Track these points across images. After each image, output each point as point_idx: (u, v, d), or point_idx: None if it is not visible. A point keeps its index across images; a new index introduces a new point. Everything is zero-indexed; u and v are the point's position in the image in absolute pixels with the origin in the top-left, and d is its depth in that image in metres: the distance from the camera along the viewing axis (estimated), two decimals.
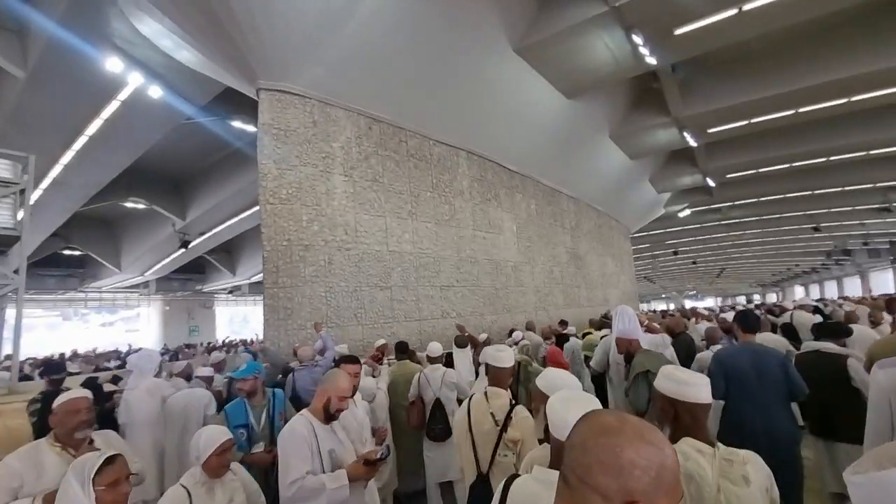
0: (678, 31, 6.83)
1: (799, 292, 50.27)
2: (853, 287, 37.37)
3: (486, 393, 2.31)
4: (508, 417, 2.14)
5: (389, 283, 6.47)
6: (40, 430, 3.19)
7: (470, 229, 8.14)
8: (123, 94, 7.67)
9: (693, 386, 1.54)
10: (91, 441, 2.14)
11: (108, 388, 4.38)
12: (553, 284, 10.65)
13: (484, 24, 6.62)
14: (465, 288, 7.79)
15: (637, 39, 6.85)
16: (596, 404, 1.32)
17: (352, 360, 2.89)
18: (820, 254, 33.64)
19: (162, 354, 13.75)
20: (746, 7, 6.34)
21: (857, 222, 21.90)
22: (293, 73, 5.59)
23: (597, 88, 9.01)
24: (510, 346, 5.85)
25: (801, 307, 7.03)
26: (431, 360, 3.96)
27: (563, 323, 7.05)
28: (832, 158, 13.37)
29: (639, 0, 6.11)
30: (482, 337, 5.50)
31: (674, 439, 1.52)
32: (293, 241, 5.50)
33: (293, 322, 5.38)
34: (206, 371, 4.23)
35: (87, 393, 2.20)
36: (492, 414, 2.20)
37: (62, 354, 14.46)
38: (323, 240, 5.75)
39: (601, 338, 4.38)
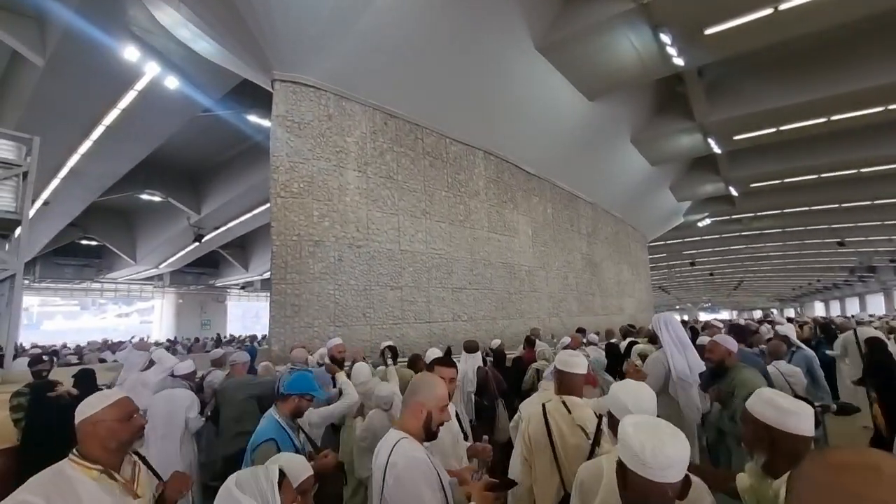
0: (709, 31, 6.54)
1: (819, 308, 48.95)
2: (876, 304, 36.21)
3: (564, 402, 2.05)
4: (599, 431, 1.90)
5: (400, 282, 6.29)
6: (29, 428, 3.00)
7: (485, 231, 7.93)
8: (140, 84, 7.65)
9: (795, 415, 1.36)
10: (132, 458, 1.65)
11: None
12: (567, 291, 10.37)
13: (506, 20, 6.42)
14: (477, 291, 7.57)
15: (665, 39, 6.59)
16: (683, 438, 1.13)
17: (447, 362, 2.41)
18: (843, 269, 32.62)
19: (167, 348, 13.79)
20: (783, 6, 6.04)
21: (885, 238, 21.12)
22: (309, 64, 5.46)
23: (619, 91, 8.74)
24: (583, 346, 5.62)
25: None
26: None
27: (581, 331, 6.78)
28: (864, 170, 12.84)
29: None
30: (495, 343, 5.26)
31: (772, 470, 1.37)
32: (303, 236, 5.36)
33: (300, 319, 5.22)
34: (186, 367, 3.74)
35: (122, 392, 1.71)
36: (581, 427, 1.94)
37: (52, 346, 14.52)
38: (334, 236, 5.59)
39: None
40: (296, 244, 5.31)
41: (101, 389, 3.63)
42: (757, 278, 37.87)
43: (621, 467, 1.18)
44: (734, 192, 14.84)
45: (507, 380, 4.61)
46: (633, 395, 1.59)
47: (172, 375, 3.42)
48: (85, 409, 1.55)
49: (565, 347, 4.95)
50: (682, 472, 1.10)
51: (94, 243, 18.96)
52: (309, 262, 5.35)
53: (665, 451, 1.09)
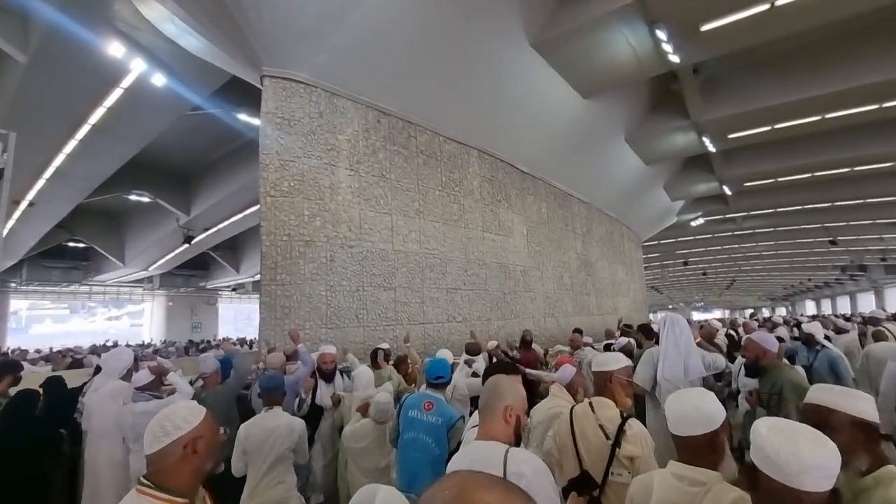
0: (705, 28, 6.48)
1: (810, 307, 49.38)
2: (867, 303, 36.56)
3: (591, 403, 2.02)
4: (621, 431, 1.82)
5: (394, 283, 6.16)
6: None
7: (479, 230, 7.82)
8: (126, 82, 7.45)
9: (852, 398, 1.34)
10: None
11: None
12: (563, 291, 10.29)
13: (500, 16, 6.32)
14: (472, 291, 7.46)
15: (661, 35, 6.52)
16: (830, 446, 1.06)
17: (512, 369, 2.23)
18: (834, 268, 32.86)
19: (156, 351, 13.54)
20: (779, 2, 5.99)
21: (876, 237, 21.29)
22: (299, 59, 5.32)
23: (614, 89, 8.67)
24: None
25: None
26: None
27: (578, 331, 6.68)
28: (856, 169, 12.89)
29: None
30: (491, 344, 5.14)
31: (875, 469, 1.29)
32: (294, 236, 5.22)
33: (290, 321, 5.08)
34: (144, 377, 3.18)
35: (194, 403, 1.44)
36: (601, 426, 1.88)
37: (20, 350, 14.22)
38: (325, 236, 5.46)
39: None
40: (286, 244, 5.17)
41: (77, 397, 3.45)
42: (749, 277, 38.12)
43: (752, 469, 1.12)
44: (728, 192, 14.85)
45: None
46: (672, 401, 1.50)
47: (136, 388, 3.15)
48: (179, 424, 1.25)
49: (565, 350, 4.86)
50: (823, 480, 1.02)
51: (81, 245, 18.63)
52: (300, 263, 5.21)
53: (802, 455, 1.02)
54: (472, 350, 4.18)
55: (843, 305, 40.61)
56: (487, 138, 8.05)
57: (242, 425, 2.71)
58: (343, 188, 5.76)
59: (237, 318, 32.80)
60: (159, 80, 7.31)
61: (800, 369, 3.11)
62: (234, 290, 27.94)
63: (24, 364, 6.72)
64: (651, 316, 21.85)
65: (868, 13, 6.86)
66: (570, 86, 7.95)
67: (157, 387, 3.07)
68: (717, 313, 53.84)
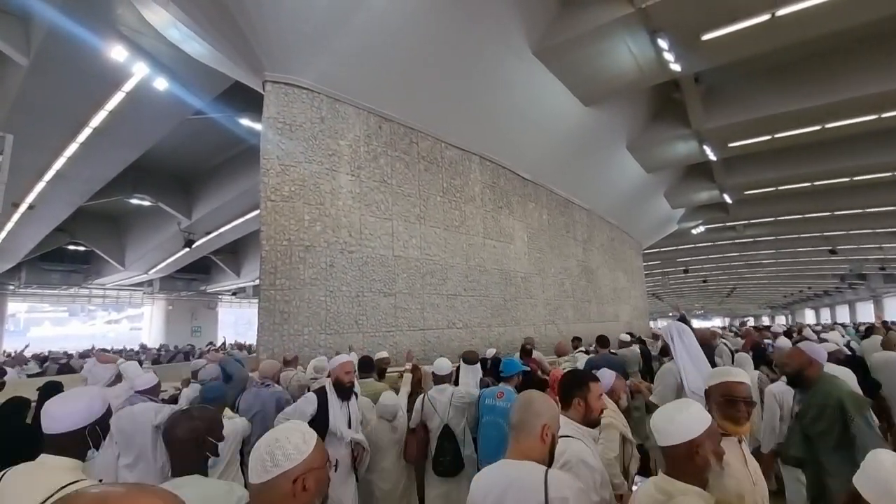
0: (706, 37, 6.51)
1: (809, 316, 49.26)
2: (866, 312, 36.49)
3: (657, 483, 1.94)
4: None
5: (394, 289, 6.13)
6: None
7: (480, 237, 7.80)
8: (129, 86, 7.47)
9: None
10: None
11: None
12: (564, 298, 10.25)
13: (502, 23, 6.34)
14: (472, 297, 7.43)
15: (662, 44, 6.54)
16: None
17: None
18: (834, 277, 32.84)
19: (158, 353, 13.47)
20: (780, 13, 6.01)
21: (876, 246, 21.28)
22: (301, 65, 5.34)
23: (616, 97, 8.70)
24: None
25: None
26: (438, 380, 3.43)
27: (577, 339, 6.64)
28: (856, 178, 12.91)
29: (667, 1, 5.81)
30: (490, 352, 5.10)
31: None
32: (294, 241, 5.20)
33: (290, 327, 5.05)
34: (147, 381, 3.13)
35: (305, 427, 1.26)
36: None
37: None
38: (325, 241, 5.44)
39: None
40: (286, 249, 5.15)
41: None
42: (749, 285, 38.07)
43: (855, 499, 1.05)
44: (728, 200, 14.86)
45: None
46: (658, 412, 1.47)
47: (135, 392, 3.11)
48: (291, 454, 1.09)
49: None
50: None
51: (81, 248, 18.59)
52: (299, 268, 5.19)
53: None
54: (470, 358, 4.13)
55: (843, 314, 40.50)
56: (489, 145, 8.06)
57: None
58: (344, 193, 5.75)
59: (238, 323, 32.71)
60: (161, 84, 7.33)
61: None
62: (234, 294, 27.86)
63: (9, 370, 6.67)
64: (651, 324, 21.79)
65: (867, 24, 6.88)
66: (571, 93, 7.97)
67: (157, 392, 3.03)
68: (717, 321, 53.68)
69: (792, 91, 8.71)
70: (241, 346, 17.02)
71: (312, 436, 1.17)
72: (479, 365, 4.03)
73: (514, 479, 1.43)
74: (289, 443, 1.11)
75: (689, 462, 1.32)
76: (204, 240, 16.32)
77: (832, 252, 21.58)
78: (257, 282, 20.55)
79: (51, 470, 1.36)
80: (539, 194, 9.81)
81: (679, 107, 9.76)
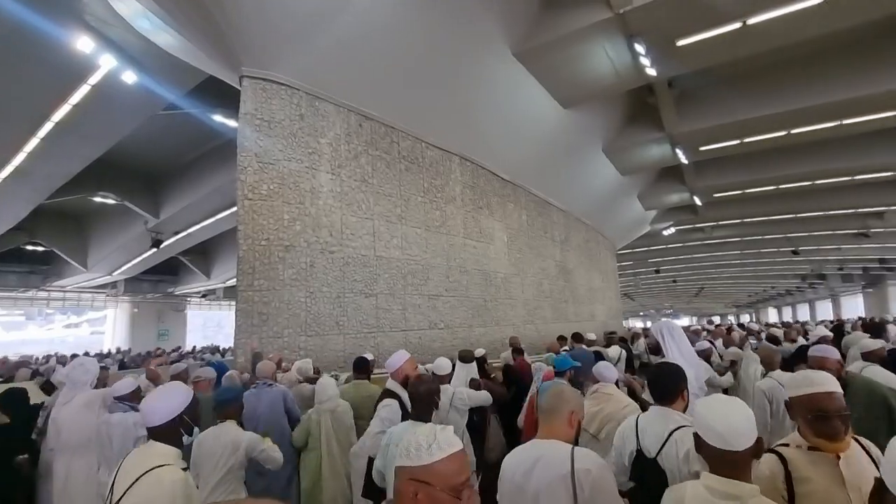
0: (681, 43, 6.69)
1: (772, 314, 51.42)
2: (825, 310, 38.37)
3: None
4: None
5: (375, 290, 6.05)
6: None
7: (461, 237, 7.80)
8: (95, 78, 7.12)
9: None
10: None
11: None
12: (542, 298, 10.36)
13: (484, 24, 6.36)
14: (453, 298, 7.41)
15: (639, 49, 6.68)
16: None
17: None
18: (795, 277, 34.38)
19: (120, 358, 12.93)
20: (751, 21, 6.24)
21: (834, 247, 22.35)
22: (280, 61, 5.21)
23: (593, 100, 8.85)
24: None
25: None
26: (439, 380, 3.35)
27: (562, 339, 6.72)
28: (818, 182, 13.53)
29: (644, 7, 5.93)
30: (479, 352, 5.08)
31: None
32: (273, 240, 5.06)
33: (268, 329, 4.91)
34: (126, 385, 3.00)
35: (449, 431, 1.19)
36: None
37: None
38: (305, 241, 5.32)
39: None
40: (265, 249, 5.01)
41: (37, 411, 3.20)
42: (716, 285, 39.42)
43: (881, 487, 1.00)
44: (698, 202, 15.34)
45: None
46: (721, 413, 1.35)
47: (114, 398, 2.96)
48: (412, 454, 1.06)
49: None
50: None
51: (40, 249, 17.66)
52: (279, 268, 5.06)
53: None
54: (466, 357, 4.11)
55: (803, 313, 42.47)
56: (469, 145, 8.07)
57: (196, 438, 2.59)
58: (324, 192, 5.64)
59: (206, 325, 31.78)
60: (130, 77, 7.01)
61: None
62: (204, 296, 27.02)
63: None
64: (624, 323, 22.26)
65: (830, 35, 7.21)
66: (550, 95, 8.06)
67: (137, 398, 2.88)
68: (685, 320, 55.37)
69: (760, 97, 9.06)
70: (215, 350, 16.53)
71: (443, 449, 1.06)
72: (474, 364, 4.02)
73: (542, 454, 1.61)
74: (415, 440, 1.09)
75: (747, 464, 1.30)
76: (172, 240, 15.74)
77: (795, 253, 22.57)
78: (229, 283, 20.08)
79: (149, 454, 1.64)
80: (518, 195, 9.88)
81: (653, 111, 10.00)
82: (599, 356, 5.07)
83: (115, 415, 2.73)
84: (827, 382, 1.59)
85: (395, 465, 1.10)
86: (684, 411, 1.94)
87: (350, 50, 5.47)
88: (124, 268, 18.98)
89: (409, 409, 2.64)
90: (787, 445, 1.61)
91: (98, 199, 13.19)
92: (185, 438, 1.78)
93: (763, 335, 7.88)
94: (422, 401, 2.35)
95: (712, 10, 5.94)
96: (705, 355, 4.48)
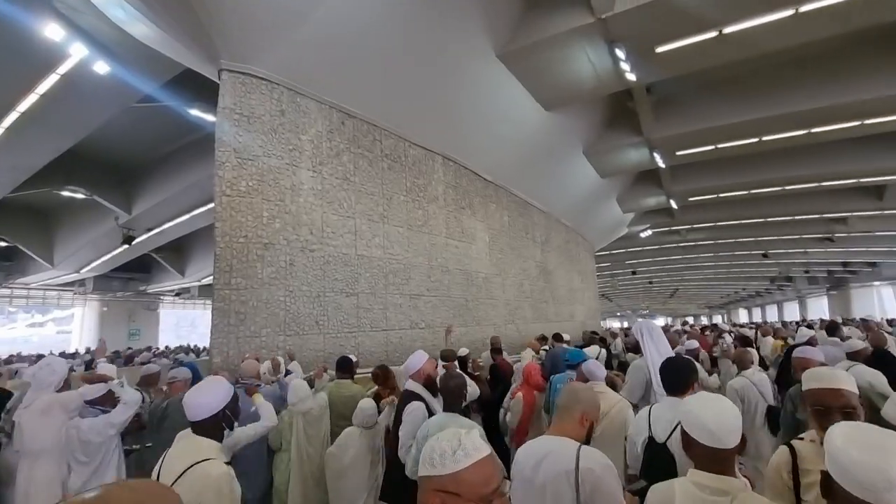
0: (660, 49, 6.84)
1: (743, 315, 53.08)
2: (792, 311, 39.85)
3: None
4: None
5: (356, 289, 6.00)
6: None
7: (443, 237, 7.79)
8: (64, 68, 6.86)
9: None
10: None
11: None
12: (523, 298, 10.44)
13: (468, 24, 6.37)
14: (435, 298, 7.40)
15: (619, 54, 6.80)
16: None
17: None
18: (765, 279, 35.59)
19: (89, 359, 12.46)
20: (726, 30, 6.42)
21: (801, 251, 23.22)
22: (261, 55, 5.11)
23: (574, 103, 8.97)
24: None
25: None
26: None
27: (543, 338, 6.79)
28: (787, 188, 14.03)
29: (624, 14, 6.04)
30: (463, 352, 5.09)
31: None
32: (251, 238, 4.96)
33: (246, 328, 4.81)
34: (95, 390, 2.88)
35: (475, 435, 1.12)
36: None
37: None
38: (285, 239, 5.23)
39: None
40: (243, 247, 4.90)
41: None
42: (691, 287, 40.49)
43: (827, 479, 1.04)
44: (674, 205, 15.70)
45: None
46: (713, 412, 1.38)
47: (84, 402, 2.85)
48: (436, 462, 0.98)
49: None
50: None
51: (3, 244, 16.90)
52: (257, 267, 4.96)
53: (886, 471, 0.94)
54: (447, 356, 4.12)
55: (772, 314, 44.02)
56: (452, 145, 8.07)
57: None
58: (305, 190, 5.56)
59: (180, 325, 30.94)
60: (102, 67, 6.77)
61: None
62: (177, 294, 26.30)
63: None
64: (602, 323, 22.63)
65: (800, 47, 7.48)
66: (533, 97, 8.13)
67: (109, 401, 2.78)
68: (660, 320, 56.64)
69: (734, 105, 9.34)
70: (188, 350, 16.11)
71: (469, 455, 0.98)
72: (456, 364, 4.04)
73: (551, 449, 1.67)
74: (439, 447, 1.01)
75: (733, 460, 1.35)
76: (145, 236, 15.26)
77: (764, 256, 23.37)
78: (203, 281, 19.58)
79: (193, 449, 1.70)
80: (500, 196, 9.94)
81: (632, 115, 10.20)
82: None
83: (86, 420, 2.65)
84: (833, 379, 1.65)
85: (420, 474, 1.02)
86: None
87: (333, 46, 5.41)
88: (93, 265, 18.32)
89: (432, 408, 2.73)
90: (802, 440, 1.67)
91: (66, 194, 12.68)
92: (227, 433, 1.85)
93: (732, 335, 8.12)
94: (452, 394, 2.52)
95: (690, 18, 6.09)
96: (693, 355, 4.59)
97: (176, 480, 1.57)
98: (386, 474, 2.89)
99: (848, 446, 1.01)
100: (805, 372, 1.80)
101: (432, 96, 7.03)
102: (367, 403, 3.13)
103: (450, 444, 0.99)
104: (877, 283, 29.10)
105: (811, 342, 4.45)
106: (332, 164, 5.96)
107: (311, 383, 3.89)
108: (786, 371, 3.80)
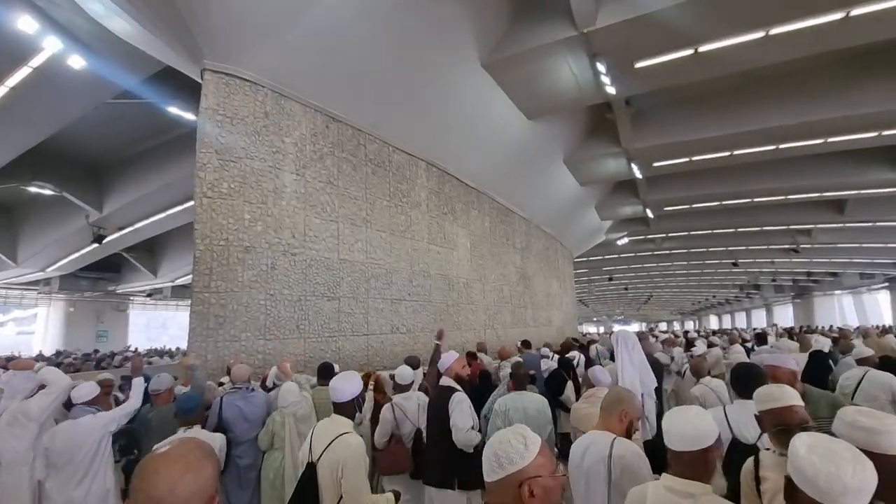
0: (639, 64, 7.06)
1: (714, 321, 54.72)
2: (759, 318, 41.34)
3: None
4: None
5: (338, 293, 5.97)
6: None
7: (425, 242, 7.83)
8: (37, 61, 6.64)
9: (886, 434, 1.33)
10: None
11: None
12: (502, 303, 10.55)
13: (455, 33, 6.46)
14: (416, 302, 7.42)
15: (601, 67, 6.99)
16: (869, 465, 1.08)
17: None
18: (735, 287, 36.81)
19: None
20: (702, 49, 6.68)
21: (769, 260, 24.16)
22: (245, 56, 5.06)
23: (556, 112, 9.16)
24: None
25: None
26: (400, 389, 3.53)
27: (527, 343, 6.92)
28: (755, 200, 14.61)
29: (605, 29, 6.22)
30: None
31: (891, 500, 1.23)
32: (232, 241, 4.90)
33: (225, 332, 4.74)
34: (89, 391, 3.05)
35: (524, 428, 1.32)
36: None
37: None
38: (267, 242, 5.18)
39: None
40: (223, 249, 4.83)
41: None
42: (664, 293, 41.56)
43: (790, 484, 1.15)
44: (650, 215, 16.14)
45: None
46: (676, 421, 1.53)
47: (73, 404, 2.83)
48: (513, 458, 1.14)
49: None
50: (864, 498, 1.05)
51: None
52: (237, 270, 4.90)
53: (843, 478, 1.04)
54: (412, 363, 4.20)
55: (741, 320, 45.53)
56: (436, 151, 8.13)
57: (158, 445, 2.57)
58: (288, 193, 5.52)
59: (150, 326, 30.02)
60: (77, 62, 6.58)
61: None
62: (149, 295, 25.56)
63: None
64: (579, 328, 22.98)
65: (770, 67, 7.84)
66: (516, 106, 8.28)
67: (104, 401, 2.78)
68: (634, 326, 57.81)
69: (708, 120, 9.69)
70: (163, 352, 15.64)
71: (535, 442, 1.18)
72: (420, 370, 4.15)
73: (593, 441, 1.99)
74: (510, 446, 1.16)
75: (702, 465, 1.46)
76: (116, 235, 14.79)
77: (734, 265, 24.19)
78: (178, 282, 19.03)
79: (335, 424, 2.20)
80: (482, 202, 10.04)
81: (611, 126, 10.46)
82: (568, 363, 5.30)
83: (85, 418, 2.70)
84: (786, 397, 1.75)
85: (494, 478, 1.15)
86: None
87: (319, 49, 5.40)
88: (60, 263, 17.64)
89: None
90: (769, 450, 1.79)
91: (33, 190, 12.21)
92: (358, 416, 2.44)
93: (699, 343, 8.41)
94: (521, 378, 3.29)
95: (668, 36, 6.32)
96: (662, 363, 4.79)
97: (326, 447, 2.06)
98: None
99: (810, 455, 1.11)
100: (756, 392, 1.87)
101: (417, 102, 7.08)
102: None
103: (518, 441, 1.17)
104: (838, 291, 30.47)
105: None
106: (316, 168, 5.93)
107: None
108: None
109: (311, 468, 2.07)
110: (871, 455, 1.15)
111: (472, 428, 2.81)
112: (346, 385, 2.28)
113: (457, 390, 2.98)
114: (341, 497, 2.00)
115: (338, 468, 2.02)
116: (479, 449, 2.70)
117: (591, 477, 1.88)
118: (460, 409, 2.84)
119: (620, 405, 2.05)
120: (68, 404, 3.05)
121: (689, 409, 1.59)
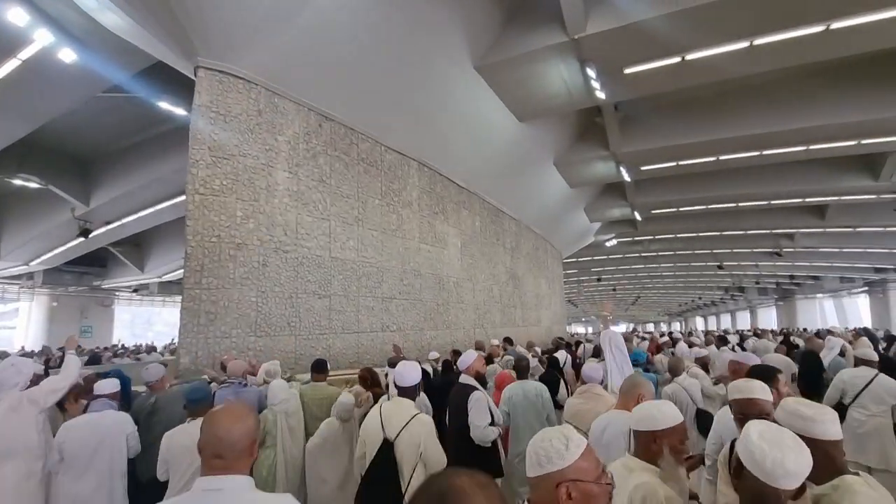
0: (628, 70, 7.20)
1: (699, 323, 55.54)
2: (744, 320, 42.09)
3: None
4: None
5: (329, 291, 6.03)
6: None
7: (416, 241, 7.90)
8: (26, 53, 6.57)
9: (820, 423, 1.48)
10: None
11: None
12: (492, 303, 10.67)
13: (448, 35, 6.54)
14: (406, 301, 7.50)
15: (590, 73, 7.12)
16: (807, 452, 1.25)
17: None
18: (720, 289, 37.43)
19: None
20: (689, 57, 6.85)
21: (753, 264, 24.64)
22: (239, 54, 5.09)
23: (547, 115, 9.29)
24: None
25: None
26: (402, 391, 3.64)
27: (509, 340, 7.02)
28: (740, 204, 14.92)
29: (596, 35, 6.35)
30: (433, 355, 5.22)
31: (818, 478, 1.41)
32: (223, 237, 4.93)
33: (216, 329, 4.78)
34: (110, 385, 3.10)
35: (571, 431, 1.31)
36: None
37: None
38: (259, 239, 5.22)
39: None
40: (215, 246, 4.87)
41: None
42: (651, 295, 42.10)
43: (739, 462, 1.29)
44: (638, 217, 16.38)
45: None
46: (654, 408, 1.73)
47: (94, 397, 2.91)
48: (552, 457, 1.12)
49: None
50: (799, 481, 1.21)
51: None
52: (229, 266, 4.93)
53: (785, 463, 1.19)
54: (394, 364, 4.30)
55: (726, 322, 46.31)
56: (428, 151, 8.21)
57: (166, 434, 2.70)
58: (280, 191, 5.56)
59: (135, 322, 29.63)
60: (68, 55, 6.53)
61: None
62: (135, 290, 25.24)
63: None
64: (567, 328, 23.21)
65: (755, 76, 8.07)
66: (507, 108, 8.38)
67: (120, 398, 2.84)
68: (622, 326, 58.39)
69: (695, 125, 9.90)
70: (151, 349, 15.48)
71: (579, 445, 1.15)
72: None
73: (613, 418, 2.31)
74: (551, 446, 1.14)
75: (648, 448, 1.64)
76: (103, 230, 14.62)
77: (719, 267, 24.63)
78: (166, 278, 18.81)
79: (404, 407, 2.51)
80: (473, 202, 10.14)
81: (600, 130, 10.63)
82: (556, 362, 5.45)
83: (109, 413, 2.81)
84: (752, 390, 1.95)
85: (533, 475, 1.14)
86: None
87: (314, 49, 5.44)
88: (44, 257, 17.35)
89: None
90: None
91: (18, 182, 12.01)
92: (417, 399, 2.73)
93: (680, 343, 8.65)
94: (522, 369, 3.79)
95: (656, 43, 6.46)
96: (702, 363, 4.95)
97: (404, 427, 2.37)
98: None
99: (760, 442, 1.25)
100: (731, 384, 2.12)
101: (410, 103, 7.15)
102: (346, 398, 3.33)
103: (560, 441, 1.14)
104: (819, 295, 31.17)
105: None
106: (309, 166, 5.98)
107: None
108: None
109: (389, 445, 2.34)
110: (806, 440, 1.31)
111: (491, 424, 3.04)
112: (411, 372, 2.60)
113: (476, 388, 3.18)
114: (414, 468, 2.31)
115: (420, 443, 2.34)
116: (495, 443, 3.11)
117: (612, 449, 2.12)
118: (478, 406, 3.05)
119: (638, 388, 2.36)
120: (59, 404, 3.03)
121: (659, 401, 1.80)
